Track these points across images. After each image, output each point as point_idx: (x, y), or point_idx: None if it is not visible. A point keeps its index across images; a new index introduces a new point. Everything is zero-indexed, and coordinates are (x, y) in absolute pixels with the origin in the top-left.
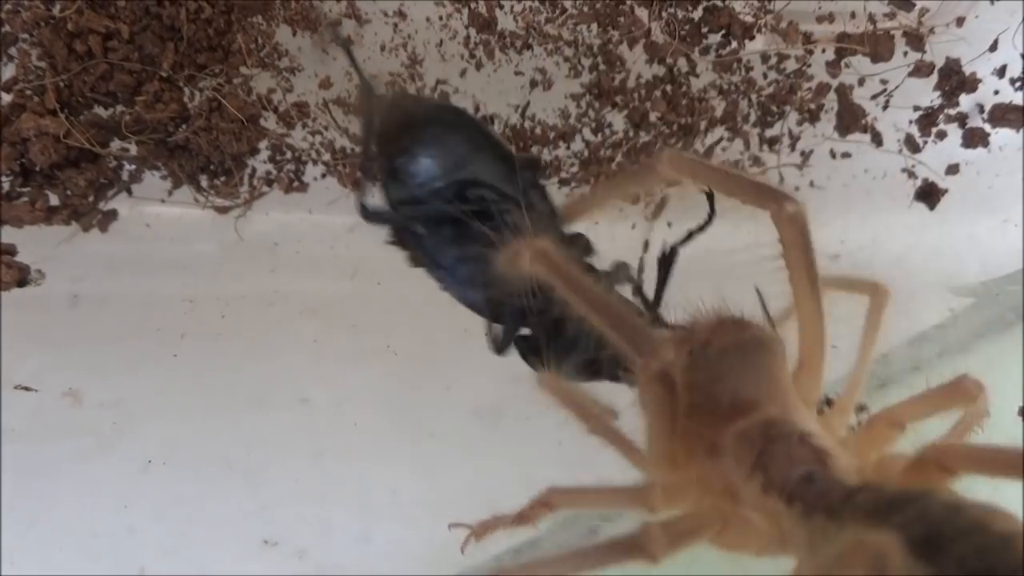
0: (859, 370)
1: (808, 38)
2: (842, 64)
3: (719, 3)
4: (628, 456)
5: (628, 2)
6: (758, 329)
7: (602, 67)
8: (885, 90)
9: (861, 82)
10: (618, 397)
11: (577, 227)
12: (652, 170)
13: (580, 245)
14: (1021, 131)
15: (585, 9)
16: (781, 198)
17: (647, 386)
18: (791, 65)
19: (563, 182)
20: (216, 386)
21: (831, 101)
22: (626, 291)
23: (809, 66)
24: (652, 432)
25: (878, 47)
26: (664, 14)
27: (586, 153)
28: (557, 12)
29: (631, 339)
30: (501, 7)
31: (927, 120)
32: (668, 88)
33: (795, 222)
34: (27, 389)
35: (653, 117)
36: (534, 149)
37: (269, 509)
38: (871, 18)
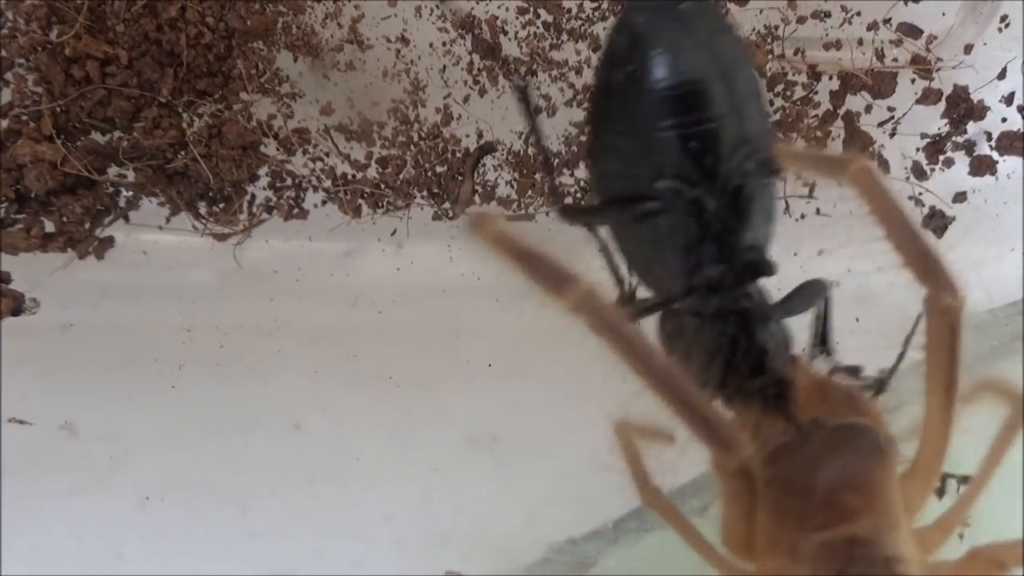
0: (976, 488)
1: (813, 69)
2: (847, 96)
3: None
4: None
5: None
6: (871, 429)
7: None
8: (892, 117)
9: (868, 109)
10: None
11: None
12: (839, 171)
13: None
14: None
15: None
16: (942, 284)
17: (723, 480)
18: (798, 92)
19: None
20: (214, 417)
21: (838, 128)
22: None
23: (816, 92)
24: (727, 523)
25: (882, 84)
26: None
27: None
28: (562, 38)
29: (703, 428)
30: (505, 33)
31: (934, 147)
32: None
33: (948, 316)
34: (21, 422)
35: None
36: (536, 177)
37: (261, 536)
38: (877, 53)
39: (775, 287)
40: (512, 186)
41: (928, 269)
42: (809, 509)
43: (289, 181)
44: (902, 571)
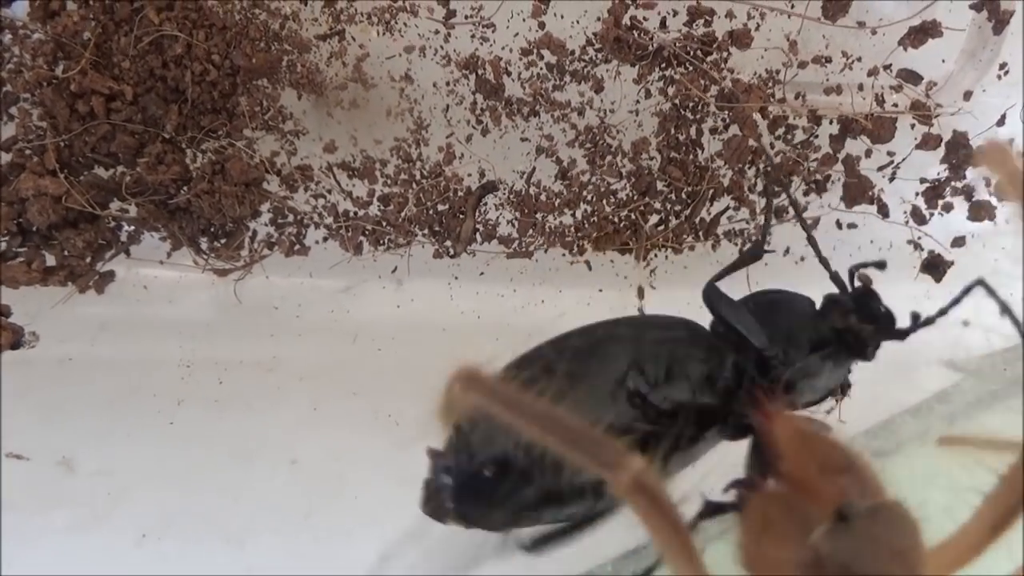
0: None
1: (814, 113)
2: (847, 140)
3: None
4: None
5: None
6: (901, 507)
7: (606, 141)
8: (892, 162)
9: (868, 153)
10: None
11: None
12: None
13: None
14: None
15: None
16: None
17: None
18: (799, 135)
19: (565, 246)
20: (212, 453)
21: (838, 172)
22: None
23: (816, 136)
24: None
25: (882, 129)
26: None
27: (593, 219)
28: (565, 80)
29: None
30: (508, 74)
31: (934, 192)
32: (677, 155)
33: None
34: (19, 457)
35: (660, 185)
36: (538, 216)
37: (258, 573)
38: (877, 99)
39: None
40: (513, 225)
41: None
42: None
43: (291, 217)
44: None
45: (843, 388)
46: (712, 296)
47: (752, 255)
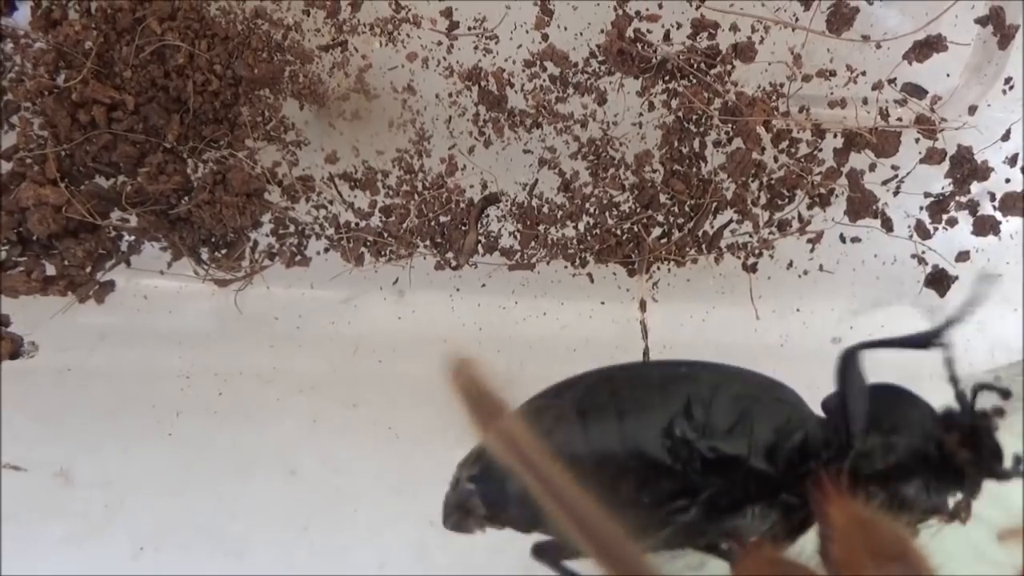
0: None
1: (818, 126)
2: (851, 154)
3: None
4: None
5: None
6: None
7: (608, 153)
8: (896, 176)
9: (872, 167)
10: None
11: None
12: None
13: None
14: None
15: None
16: None
17: None
18: (803, 149)
19: (568, 258)
20: (210, 465)
21: (841, 186)
22: None
23: (820, 150)
24: None
25: (886, 143)
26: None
27: (596, 232)
28: (568, 91)
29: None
30: (511, 85)
31: (938, 207)
32: (680, 168)
33: None
34: (16, 468)
35: (663, 198)
36: (540, 228)
37: None
38: (882, 113)
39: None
40: (515, 237)
41: None
42: None
43: (292, 228)
44: None
45: (937, 510)
46: (848, 363)
47: (922, 341)
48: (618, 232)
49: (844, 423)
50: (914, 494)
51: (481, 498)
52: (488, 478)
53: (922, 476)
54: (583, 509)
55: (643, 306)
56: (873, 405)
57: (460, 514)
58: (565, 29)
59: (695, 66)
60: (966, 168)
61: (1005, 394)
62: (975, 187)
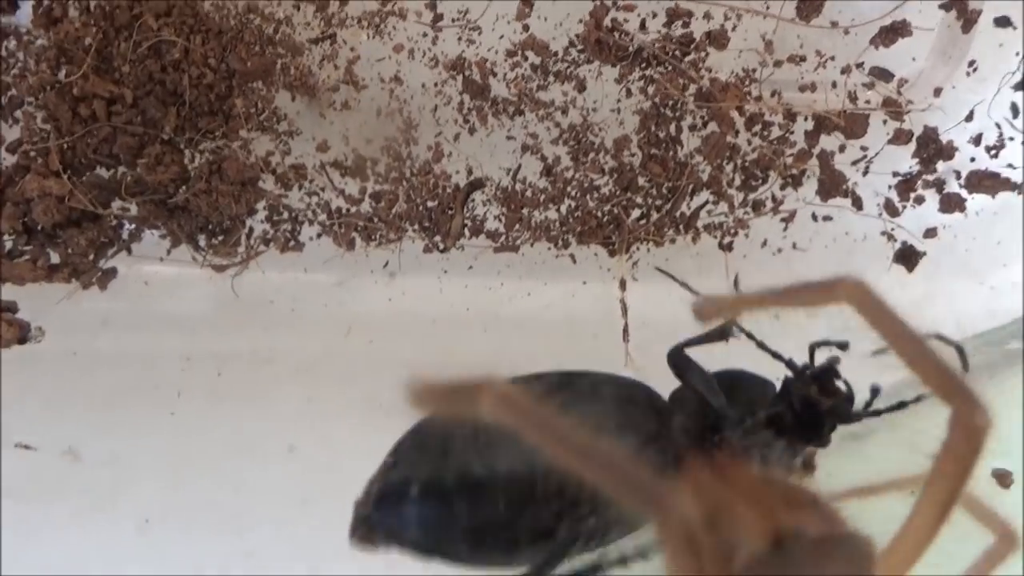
0: None
1: (789, 110)
2: (821, 136)
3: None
4: None
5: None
6: (858, 537)
7: (588, 139)
8: (865, 156)
9: (842, 149)
10: None
11: None
12: (831, 297)
13: None
14: (996, 196)
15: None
16: (972, 405)
17: (667, 544)
18: (775, 132)
19: (551, 240)
20: (211, 443)
21: (812, 167)
22: None
23: (792, 133)
24: None
25: (855, 125)
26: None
27: (577, 214)
28: (548, 80)
29: (638, 489)
30: (494, 75)
31: (906, 185)
32: (657, 152)
33: (975, 437)
34: (27, 447)
35: (642, 180)
36: (524, 211)
37: (256, 558)
38: (850, 96)
39: None
40: (500, 220)
41: (952, 389)
42: None
43: (286, 215)
44: None
45: (795, 467)
46: (680, 360)
47: (720, 334)
48: (599, 214)
49: (701, 407)
50: (778, 456)
51: (375, 502)
52: (386, 501)
53: (784, 437)
54: (604, 454)
55: (623, 285)
56: (721, 388)
57: (364, 529)
58: (545, 20)
59: (670, 54)
60: (932, 148)
61: (842, 346)
62: (941, 166)
